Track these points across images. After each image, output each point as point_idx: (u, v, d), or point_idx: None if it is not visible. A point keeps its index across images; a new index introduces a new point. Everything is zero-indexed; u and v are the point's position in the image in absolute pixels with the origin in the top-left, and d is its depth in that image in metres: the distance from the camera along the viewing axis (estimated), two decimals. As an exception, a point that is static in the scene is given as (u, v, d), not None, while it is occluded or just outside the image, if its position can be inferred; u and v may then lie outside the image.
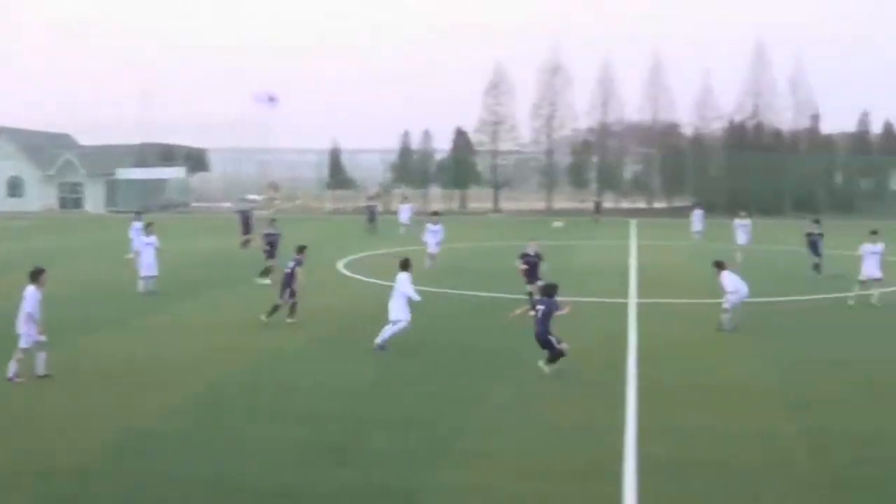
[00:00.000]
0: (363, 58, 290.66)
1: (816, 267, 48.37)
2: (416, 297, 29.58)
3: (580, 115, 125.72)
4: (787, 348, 30.44)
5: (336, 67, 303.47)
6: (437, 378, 25.52)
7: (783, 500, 16.69)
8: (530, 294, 35.35)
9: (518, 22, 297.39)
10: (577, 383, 24.56)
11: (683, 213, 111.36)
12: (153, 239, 41.88)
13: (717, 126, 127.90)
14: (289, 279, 33.93)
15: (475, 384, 24.84)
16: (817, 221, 50.25)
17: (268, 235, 45.43)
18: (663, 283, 45.12)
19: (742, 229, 60.39)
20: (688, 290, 43.15)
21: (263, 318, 33.24)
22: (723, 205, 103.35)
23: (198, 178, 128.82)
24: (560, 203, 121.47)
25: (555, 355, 25.59)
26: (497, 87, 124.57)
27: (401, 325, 29.01)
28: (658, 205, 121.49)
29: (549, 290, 26.85)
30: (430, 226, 51.85)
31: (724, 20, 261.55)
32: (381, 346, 28.74)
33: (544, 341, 25.73)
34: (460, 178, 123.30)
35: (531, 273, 35.98)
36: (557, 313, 26.08)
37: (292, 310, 33.97)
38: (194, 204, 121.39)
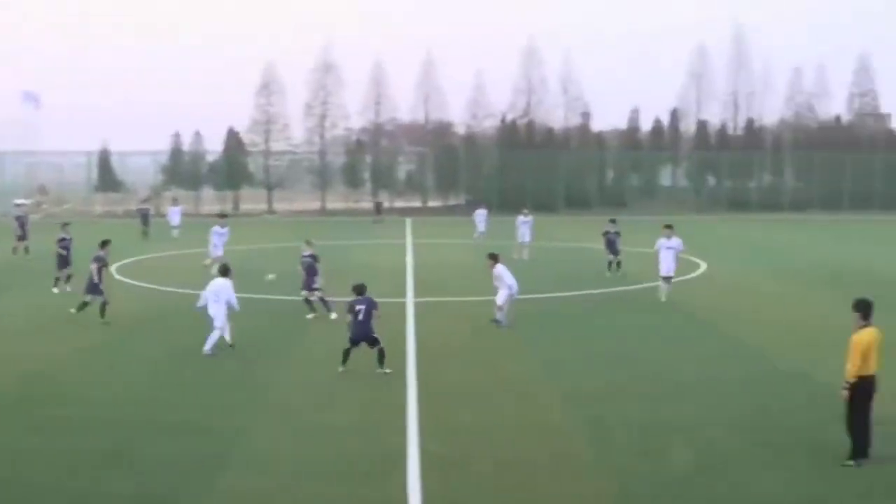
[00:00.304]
0: (131, 57, 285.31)
1: (611, 265, 48.70)
2: (237, 307, 29.75)
3: (353, 114, 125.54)
4: (562, 343, 31.00)
5: (103, 67, 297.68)
6: (215, 384, 25.23)
7: (565, 490, 17.00)
8: (306, 298, 35.51)
9: (289, 22, 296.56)
10: (357, 384, 24.57)
11: (457, 211, 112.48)
12: None
13: (489, 124, 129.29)
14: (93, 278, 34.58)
15: (254, 389, 24.67)
16: (613, 221, 50.66)
17: (61, 241, 43.80)
18: (440, 282, 45.42)
19: (525, 226, 59.18)
20: (464, 288, 43.50)
21: (73, 311, 34.70)
22: (497, 203, 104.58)
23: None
24: (334, 203, 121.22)
25: (383, 353, 25.90)
26: (268, 87, 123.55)
27: (217, 332, 28.88)
28: (432, 203, 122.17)
29: (363, 289, 26.50)
30: (217, 228, 50.57)
31: (495, 20, 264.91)
32: (211, 353, 28.47)
33: (372, 339, 25.89)
34: (233, 180, 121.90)
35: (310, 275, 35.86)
36: (376, 312, 26.05)
37: (102, 309, 34.51)
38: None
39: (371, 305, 25.93)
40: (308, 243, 36.59)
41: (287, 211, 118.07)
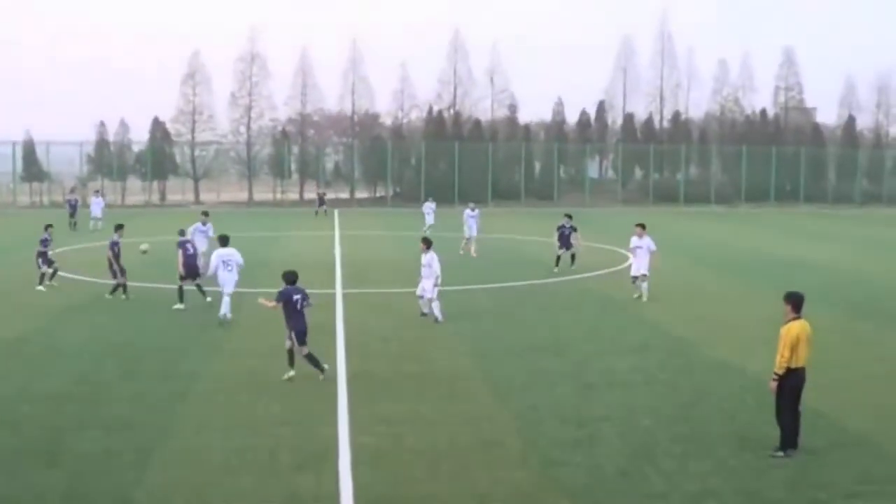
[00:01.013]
0: (56, 44, 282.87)
1: (559, 259, 47.92)
2: (243, 265, 33.53)
3: (279, 105, 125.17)
4: (491, 335, 31.03)
5: (27, 54, 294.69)
6: (143, 376, 24.97)
7: (494, 479, 17.02)
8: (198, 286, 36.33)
9: (215, 10, 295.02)
10: (285, 375, 24.43)
11: (385, 202, 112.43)
12: None
13: (416, 116, 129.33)
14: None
15: (180, 382, 24.42)
16: (569, 216, 50.34)
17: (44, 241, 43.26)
18: (369, 274, 45.32)
19: (472, 220, 57.14)
20: (393, 280, 43.46)
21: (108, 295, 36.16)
22: (424, 195, 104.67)
23: None
24: (261, 194, 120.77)
25: (313, 356, 24.37)
26: (193, 77, 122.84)
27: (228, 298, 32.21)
28: (360, 195, 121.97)
29: (295, 276, 24.81)
30: (199, 225, 49.33)
31: (422, 10, 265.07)
32: (229, 317, 31.18)
33: (307, 332, 24.37)
34: (159, 170, 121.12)
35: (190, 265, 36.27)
36: (308, 303, 24.54)
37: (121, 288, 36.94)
38: None
39: (304, 295, 24.49)
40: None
41: (214, 202, 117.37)
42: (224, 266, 32.45)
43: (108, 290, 37.46)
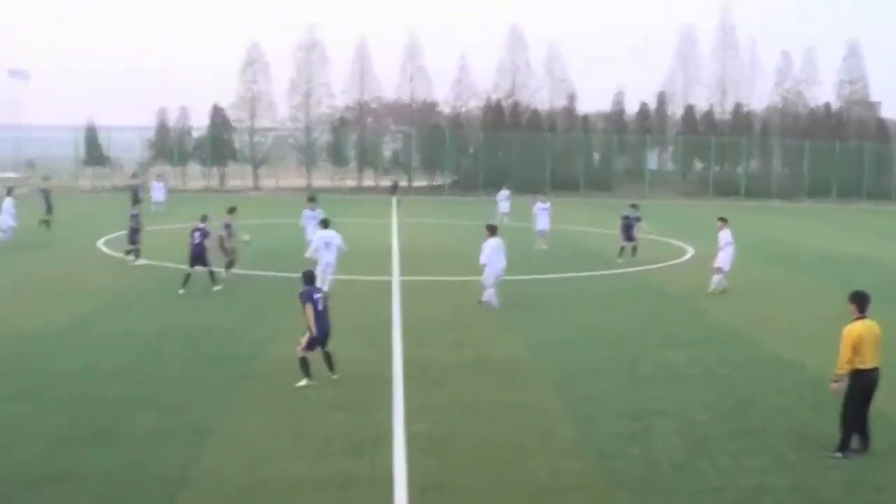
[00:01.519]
0: (119, 32, 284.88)
1: (623, 250, 47.92)
2: (345, 248, 35.86)
3: (337, 93, 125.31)
4: (550, 325, 30.94)
5: (91, 43, 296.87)
6: (200, 359, 25.08)
7: (548, 469, 16.96)
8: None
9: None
10: (342, 362, 24.41)
11: (441, 191, 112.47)
12: None
13: (474, 105, 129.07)
14: (198, 249, 35.72)
15: (236, 365, 24.55)
16: (635, 206, 50.03)
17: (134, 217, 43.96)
18: (426, 261, 45.30)
19: (544, 213, 54.43)
20: (450, 267, 43.47)
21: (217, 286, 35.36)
22: (483, 184, 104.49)
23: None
24: (319, 181, 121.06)
25: (331, 356, 23.07)
26: (252, 65, 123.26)
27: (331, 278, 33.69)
28: (417, 183, 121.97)
29: (313, 276, 23.82)
30: (307, 211, 48.45)
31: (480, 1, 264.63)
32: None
33: (328, 335, 23.00)
34: (218, 156, 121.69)
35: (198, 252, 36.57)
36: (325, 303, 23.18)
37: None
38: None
39: (323, 293, 23.40)
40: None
41: (272, 188, 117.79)
42: (325, 247, 34.80)
43: (224, 271, 37.94)
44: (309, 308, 22.38)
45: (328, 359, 22.86)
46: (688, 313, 33.77)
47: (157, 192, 75.68)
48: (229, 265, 38.08)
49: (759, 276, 43.78)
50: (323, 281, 32.47)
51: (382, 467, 16.84)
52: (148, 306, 32.64)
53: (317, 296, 22.68)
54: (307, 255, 35.84)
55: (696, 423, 20.10)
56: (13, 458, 17.08)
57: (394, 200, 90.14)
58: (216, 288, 35.36)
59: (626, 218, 48.37)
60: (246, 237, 35.89)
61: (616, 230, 49.21)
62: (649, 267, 45.29)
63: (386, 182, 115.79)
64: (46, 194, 60.00)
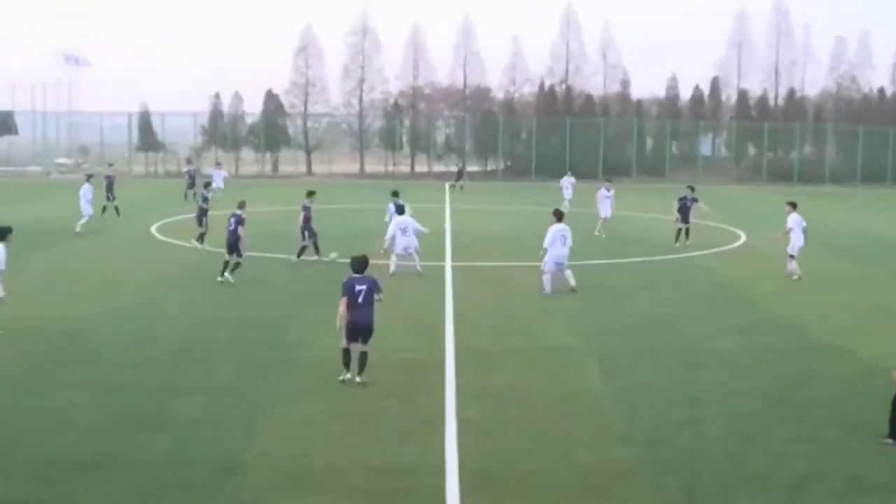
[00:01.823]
0: (172, 17, 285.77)
1: (679, 234, 47.81)
2: (424, 230, 38.93)
3: (391, 78, 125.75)
4: (600, 311, 30.96)
5: (144, 27, 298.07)
6: (249, 346, 25.25)
7: (598, 456, 16.98)
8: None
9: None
10: (392, 347, 24.54)
11: (494, 176, 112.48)
12: None
13: (527, 90, 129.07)
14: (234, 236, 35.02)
15: (286, 350, 24.71)
16: (691, 187, 50.04)
17: (205, 199, 44.65)
18: (478, 247, 45.32)
19: (607, 201, 53.14)
20: (503, 253, 43.56)
21: (226, 277, 34.60)
22: (535, 169, 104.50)
23: (5, 142, 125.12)
24: (372, 166, 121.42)
25: (366, 357, 21.47)
26: (305, 50, 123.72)
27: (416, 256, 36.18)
28: (470, 168, 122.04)
29: (362, 264, 21.84)
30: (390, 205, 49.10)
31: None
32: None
33: (369, 331, 21.46)
34: (272, 142, 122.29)
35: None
36: (378, 295, 21.68)
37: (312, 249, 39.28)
38: (2, 168, 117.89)
39: (372, 286, 21.54)
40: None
41: (325, 173, 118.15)
42: (402, 233, 36.82)
43: (296, 255, 39.48)
44: (343, 299, 21.23)
45: (360, 358, 21.33)
46: (739, 300, 33.67)
47: (218, 178, 76.13)
48: (302, 251, 39.36)
49: (810, 261, 43.50)
50: (409, 260, 35.99)
51: (433, 454, 16.93)
52: (197, 292, 32.85)
53: (359, 287, 21.20)
54: (385, 246, 37.41)
55: (745, 410, 20.07)
56: (60, 443, 17.22)
57: (458, 186, 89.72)
58: (220, 279, 34.42)
59: (682, 199, 48.19)
60: (334, 255, 34.21)
61: (672, 216, 49.01)
62: (701, 252, 45.17)
63: (442, 168, 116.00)
64: (110, 181, 60.39)
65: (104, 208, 58.27)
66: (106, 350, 24.53)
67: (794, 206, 38.95)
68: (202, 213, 43.71)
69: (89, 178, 55.15)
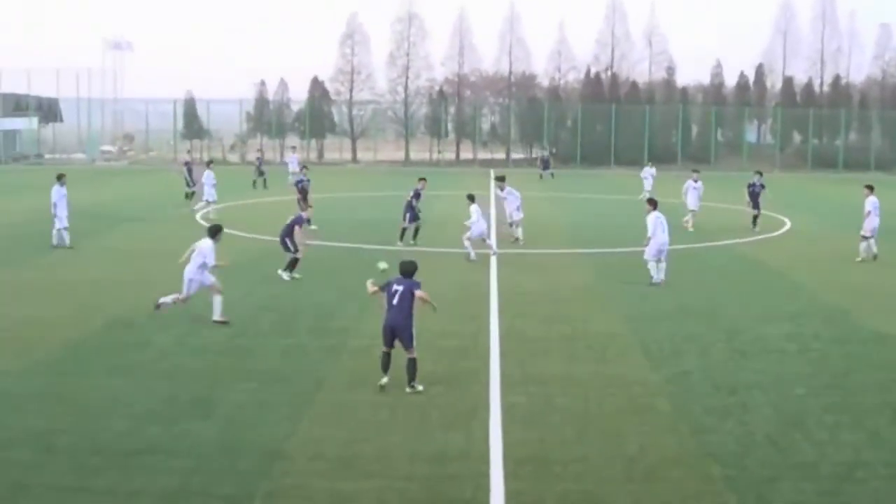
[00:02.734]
0: (217, 4, 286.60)
1: (756, 220, 48.15)
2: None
3: (436, 65, 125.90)
4: (647, 297, 30.90)
5: (190, 14, 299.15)
6: (296, 333, 25.35)
7: (644, 443, 16.96)
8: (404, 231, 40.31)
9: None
10: (438, 334, 24.60)
11: (534, 163, 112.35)
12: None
13: (573, 78, 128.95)
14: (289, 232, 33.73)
15: (333, 338, 24.82)
16: (759, 173, 49.92)
17: (299, 182, 45.35)
18: (526, 234, 45.22)
19: (695, 192, 51.11)
20: (548, 240, 43.56)
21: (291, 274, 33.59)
22: (581, 157, 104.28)
23: (50, 129, 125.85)
24: (417, 153, 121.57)
25: (414, 365, 20.23)
26: (351, 37, 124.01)
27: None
28: (515, 156, 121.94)
29: (410, 270, 20.85)
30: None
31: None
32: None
33: (408, 336, 20.21)
34: (317, 128, 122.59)
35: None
36: (419, 293, 20.35)
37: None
38: (47, 155, 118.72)
39: (412, 287, 20.36)
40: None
41: (371, 160, 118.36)
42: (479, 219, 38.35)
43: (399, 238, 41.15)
44: (376, 291, 20.78)
45: (408, 367, 20.14)
46: (785, 286, 33.55)
47: (293, 163, 76.48)
48: (409, 232, 40.87)
49: (856, 248, 43.31)
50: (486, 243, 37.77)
51: (479, 440, 16.97)
52: (244, 279, 32.91)
53: (396, 287, 20.24)
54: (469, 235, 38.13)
55: (791, 397, 20.02)
56: (107, 430, 17.36)
57: (546, 175, 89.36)
58: (288, 276, 33.36)
59: (752, 185, 48.35)
60: (383, 265, 32.36)
61: (742, 202, 49.62)
62: (747, 239, 45.03)
63: (488, 155, 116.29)
64: (189, 167, 60.65)
65: (186, 195, 58.66)
66: (155, 335, 24.71)
67: (871, 189, 40.02)
68: (304, 194, 44.71)
69: (209, 163, 55.85)
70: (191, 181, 59.30)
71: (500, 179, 43.64)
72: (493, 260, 36.91)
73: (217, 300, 26.30)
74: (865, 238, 38.80)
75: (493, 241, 38.42)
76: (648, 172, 68.60)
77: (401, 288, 20.19)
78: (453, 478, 15.37)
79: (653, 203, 33.96)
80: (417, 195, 41.79)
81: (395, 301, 20.14)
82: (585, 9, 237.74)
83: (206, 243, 26.84)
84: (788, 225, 51.00)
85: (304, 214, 34.80)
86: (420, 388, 19.98)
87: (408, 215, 40.68)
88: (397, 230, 41.07)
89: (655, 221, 33.09)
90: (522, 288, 31.84)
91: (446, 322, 25.62)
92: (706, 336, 25.47)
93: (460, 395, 19.80)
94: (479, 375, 21.14)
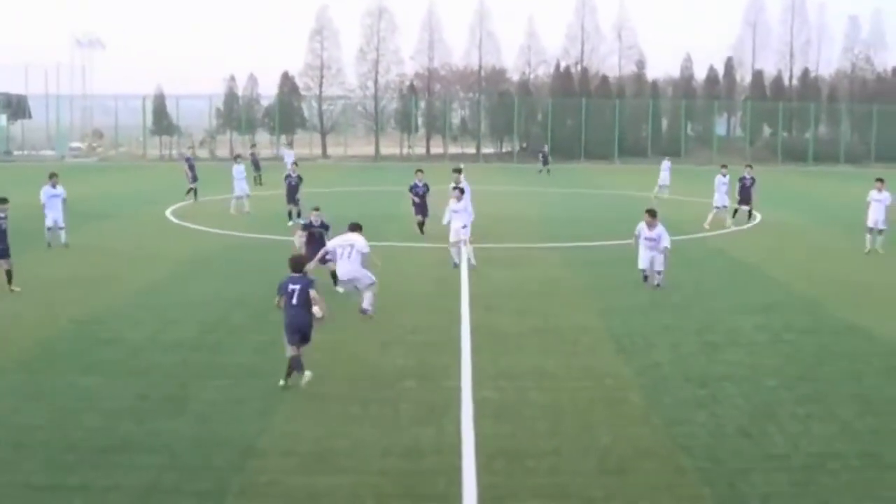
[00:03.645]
0: (185, 1, 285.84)
1: (750, 214, 48.60)
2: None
3: (406, 60, 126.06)
4: (618, 291, 30.96)
5: (158, 10, 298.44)
6: (268, 328, 25.24)
7: (616, 435, 17.00)
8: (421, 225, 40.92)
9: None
10: (410, 329, 24.59)
11: (510, 158, 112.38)
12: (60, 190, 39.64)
13: (543, 71, 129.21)
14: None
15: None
16: (750, 166, 50.10)
17: (287, 178, 45.36)
18: (494, 229, 45.26)
19: (724, 187, 49.39)
20: (518, 234, 43.57)
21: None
22: (550, 150, 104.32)
23: (18, 126, 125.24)
24: (388, 148, 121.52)
25: (296, 364, 20.02)
26: (321, 32, 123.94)
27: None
28: (486, 150, 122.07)
29: (298, 264, 20.85)
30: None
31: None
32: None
33: (306, 334, 20.26)
34: (287, 124, 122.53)
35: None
36: (313, 294, 20.11)
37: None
38: (16, 152, 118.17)
39: (307, 286, 20.20)
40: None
41: (341, 156, 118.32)
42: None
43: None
44: (281, 300, 20.33)
45: (290, 363, 20.00)
46: (755, 279, 33.66)
47: (288, 158, 76.60)
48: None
49: (827, 240, 43.58)
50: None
51: (451, 434, 16.96)
52: (216, 275, 32.88)
53: (291, 287, 20.08)
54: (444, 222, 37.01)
55: (763, 388, 20.06)
56: (80, 427, 17.29)
57: (544, 171, 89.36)
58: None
59: (742, 179, 48.87)
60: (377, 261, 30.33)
61: (713, 195, 49.83)
62: (717, 233, 45.20)
63: (458, 150, 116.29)
64: (190, 163, 60.45)
65: (187, 190, 58.57)
66: (127, 333, 24.62)
67: (882, 182, 40.56)
68: (294, 191, 44.85)
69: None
70: (192, 177, 59.17)
71: (458, 171, 43.68)
72: (463, 254, 36.87)
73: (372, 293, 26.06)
74: (882, 231, 39.69)
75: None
76: (666, 165, 67.49)
77: (297, 287, 20.02)
78: (426, 472, 15.36)
79: (653, 214, 31.89)
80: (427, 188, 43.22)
81: (293, 300, 19.99)
82: (555, 3, 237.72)
83: (359, 239, 26.22)
84: (759, 218, 51.11)
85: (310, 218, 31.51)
86: (308, 374, 19.82)
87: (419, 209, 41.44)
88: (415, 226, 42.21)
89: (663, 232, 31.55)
90: (493, 282, 31.83)
91: (417, 316, 25.63)
92: (678, 329, 25.53)
93: (432, 389, 19.78)
94: (450, 370, 21.11)
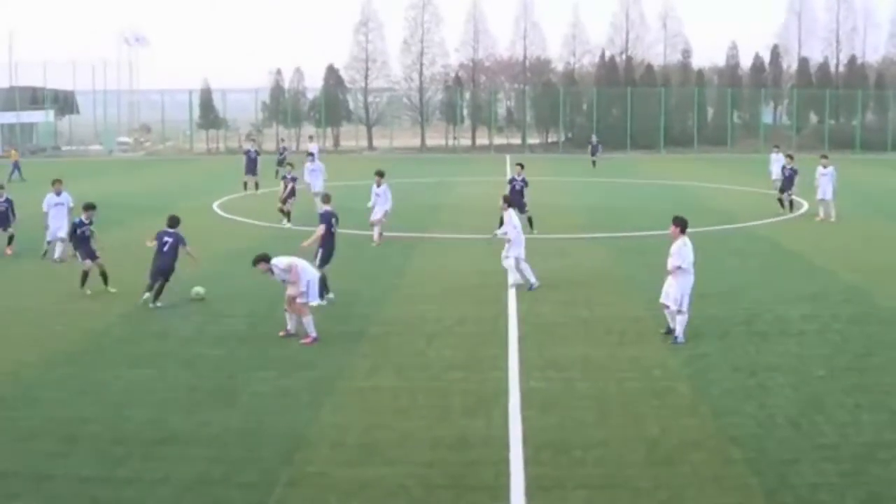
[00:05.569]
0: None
1: (783, 202, 48.44)
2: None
3: (451, 51, 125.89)
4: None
5: (203, 5, 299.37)
6: (316, 320, 25.33)
7: (664, 426, 16.98)
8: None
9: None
10: (458, 320, 24.64)
11: (555, 148, 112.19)
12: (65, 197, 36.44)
13: (588, 61, 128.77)
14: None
15: (354, 324, 24.84)
16: (790, 156, 49.92)
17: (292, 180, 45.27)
18: (541, 219, 45.16)
19: (825, 179, 46.36)
20: (565, 224, 43.49)
21: None
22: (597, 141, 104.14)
23: (66, 121, 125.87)
24: (433, 140, 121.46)
25: (162, 289, 27.19)
26: (366, 25, 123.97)
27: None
28: (531, 140, 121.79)
29: (174, 222, 28.09)
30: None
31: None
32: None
33: (169, 273, 27.30)
34: (333, 116, 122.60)
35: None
36: (184, 248, 27.57)
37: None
38: (64, 148, 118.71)
39: (178, 241, 27.45)
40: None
41: (386, 148, 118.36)
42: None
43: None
44: (152, 242, 27.56)
45: (156, 289, 27.07)
46: (803, 268, 33.49)
47: (314, 151, 76.94)
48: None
49: (874, 228, 43.29)
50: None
51: (499, 425, 17.00)
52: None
53: (165, 239, 27.25)
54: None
55: (811, 378, 20.00)
56: (129, 420, 17.46)
57: (591, 162, 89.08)
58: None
59: (787, 169, 48.48)
60: (198, 290, 29.93)
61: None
62: (762, 222, 44.95)
63: (503, 141, 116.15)
64: (250, 156, 60.55)
65: (244, 184, 58.79)
66: (177, 326, 24.82)
67: None
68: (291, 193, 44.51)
69: (310, 155, 56.10)
70: (254, 170, 59.78)
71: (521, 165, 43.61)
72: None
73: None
74: None
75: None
76: (775, 158, 57.66)
77: (170, 240, 27.22)
78: (474, 463, 15.41)
79: (682, 224, 25.17)
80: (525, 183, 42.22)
81: (165, 249, 27.08)
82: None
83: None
84: (806, 206, 50.78)
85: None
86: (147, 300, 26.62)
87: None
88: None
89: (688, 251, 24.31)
90: (541, 272, 31.76)
91: (465, 308, 25.67)
92: (724, 318, 25.45)
93: (480, 380, 19.83)
94: (497, 361, 21.16)
